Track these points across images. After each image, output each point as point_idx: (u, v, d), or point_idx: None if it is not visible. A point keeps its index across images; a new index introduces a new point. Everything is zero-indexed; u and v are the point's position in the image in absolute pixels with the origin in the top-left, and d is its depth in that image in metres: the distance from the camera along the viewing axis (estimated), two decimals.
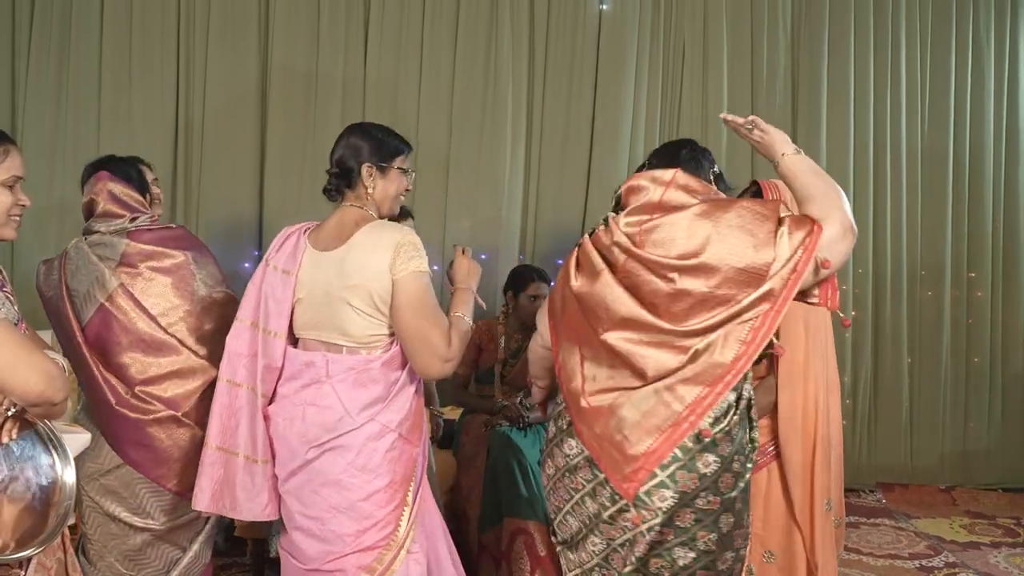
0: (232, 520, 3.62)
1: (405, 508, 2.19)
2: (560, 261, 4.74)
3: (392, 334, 2.22)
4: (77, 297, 2.45)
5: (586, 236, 2.15)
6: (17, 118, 4.47)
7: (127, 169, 2.65)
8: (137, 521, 2.42)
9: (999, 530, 4.45)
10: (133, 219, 2.56)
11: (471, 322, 2.27)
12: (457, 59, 4.74)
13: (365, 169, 2.29)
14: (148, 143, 4.36)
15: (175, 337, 2.44)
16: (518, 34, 4.78)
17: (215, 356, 2.39)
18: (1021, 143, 5.24)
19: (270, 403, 2.28)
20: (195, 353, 2.46)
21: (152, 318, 2.43)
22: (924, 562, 3.98)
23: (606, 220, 2.12)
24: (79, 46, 4.49)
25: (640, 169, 2.23)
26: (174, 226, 2.67)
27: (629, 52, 4.86)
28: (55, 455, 1.55)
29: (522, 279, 3.86)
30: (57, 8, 4.48)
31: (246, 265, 4.63)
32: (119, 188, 2.58)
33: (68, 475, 1.55)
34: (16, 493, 1.52)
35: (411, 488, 2.21)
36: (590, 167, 4.84)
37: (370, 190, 2.29)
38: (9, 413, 1.53)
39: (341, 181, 2.32)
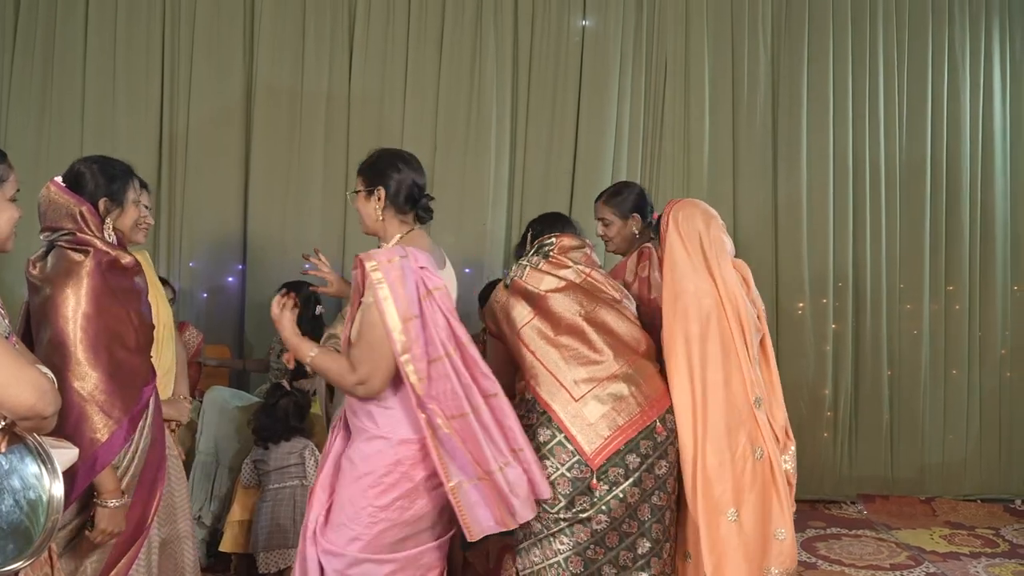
0: (216, 535, 3.63)
1: None
2: None
3: None
4: None
5: (529, 267, 2.72)
6: (0, 132, 4.46)
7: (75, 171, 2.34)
8: None
9: (979, 540, 4.49)
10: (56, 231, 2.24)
11: None
12: (441, 75, 4.77)
13: None
14: (132, 159, 4.20)
15: None
16: (502, 50, 4.82)
17: None
18: (996, 158, 5.32)
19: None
20: None
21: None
22: (905, 573, 4.01)
23: (547, 254, 2.74)
24: (63, 62, 4.50)
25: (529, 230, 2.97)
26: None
27: (612, 68, 4.91)
28: (43, 469, 1.56)
29: (487, 294, 3.84)
30: (41, 23, 4.49)
31: (230, 280, 4.64)
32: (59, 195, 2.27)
33: (56, 489, 1.55)
34: (3, 506, 1.52)
35: None
36: (574, 182, 4.88)
37: None
38: None
39: None
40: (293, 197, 4.63)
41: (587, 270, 2.70)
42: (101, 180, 2.31)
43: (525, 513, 2.33)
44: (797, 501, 4.78)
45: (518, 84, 4.88)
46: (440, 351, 2.21)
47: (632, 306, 2.80)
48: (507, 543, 3.33)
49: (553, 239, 2.76)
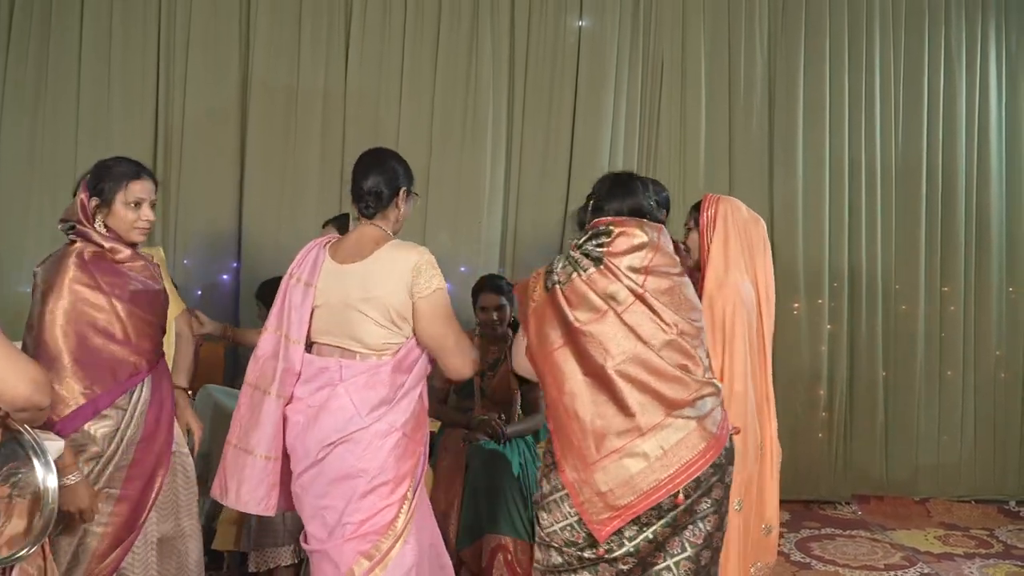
0: (209, 533, 3.61)
1: (406, 502, 2.36)
2: None
3: (405, 340, 2.40)
4: None
5: (576, 275, 2.27)
6: None
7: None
8: None
9: (973, 541, 4.50)
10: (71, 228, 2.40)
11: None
12: (438, 74, 4.76)
13: (403, 193, 2.48)
14: (126, 156, 4.33)
15: None
16: (498, 50, 4.81)
17: None
18: (992, 159, 5.33)
19: (287, 403, 2.43)
20: None
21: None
22: (899, 573, 4.01)
23: (599, 259, 2.26)
24: (58, 60, 4.47)
25: (591, 199, 2.44)
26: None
27: (608, 68, 4.91)
28: (37, 460, 1.55)
29: (476, 290, 3.83)
30: (36, 21, 4.46)
31: (224, 277, 4.62)
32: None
33: (50, 480, 1.55)
34: None
35: (411, 483, 2.38)
36: (570, 182, 4.87)
37: (401, 211, 2.49)
38: None
39: (380, 202, 2.45)
40: (288, 195, 4.62)
41: (640, 285, 2.23)
42: (93, 179, 2.42)
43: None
44: (792, 501, 4.87)
45: (514, 84, 4.87)
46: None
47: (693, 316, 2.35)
48: (500, 543, 3.33)
49: (612, 230, 2.30)
